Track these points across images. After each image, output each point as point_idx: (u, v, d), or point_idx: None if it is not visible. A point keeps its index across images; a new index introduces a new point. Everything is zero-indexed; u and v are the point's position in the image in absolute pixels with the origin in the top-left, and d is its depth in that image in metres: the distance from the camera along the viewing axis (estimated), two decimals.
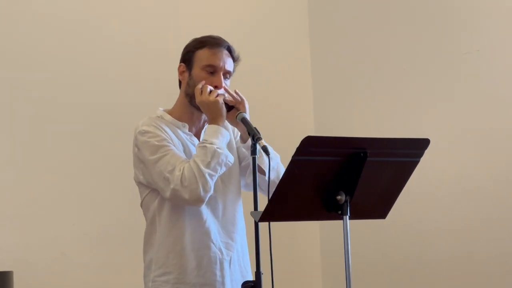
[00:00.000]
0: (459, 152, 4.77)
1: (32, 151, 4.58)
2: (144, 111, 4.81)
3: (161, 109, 3.19)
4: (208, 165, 2.93)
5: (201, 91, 3.05)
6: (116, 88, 4.85)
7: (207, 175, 2.92)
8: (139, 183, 3.12)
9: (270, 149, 3.05)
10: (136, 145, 3.08)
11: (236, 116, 3.05)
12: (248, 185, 3.12)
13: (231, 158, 3.01)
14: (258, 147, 2.88)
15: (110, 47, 4.87)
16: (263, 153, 2.87)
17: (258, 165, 3.00)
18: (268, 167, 2.89)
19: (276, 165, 3.11)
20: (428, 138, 2.78)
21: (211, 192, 2.97)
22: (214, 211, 3.08)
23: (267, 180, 2.91)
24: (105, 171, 4.76)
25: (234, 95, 3.10)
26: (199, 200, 2.94)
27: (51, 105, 4.66)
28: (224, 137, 3.01)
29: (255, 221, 2.83)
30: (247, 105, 3.11)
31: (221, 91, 3.07)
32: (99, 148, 4.75)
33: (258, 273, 2.80)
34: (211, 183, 2.94)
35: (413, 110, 5.00)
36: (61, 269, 4.57)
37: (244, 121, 3.01)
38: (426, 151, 2.79)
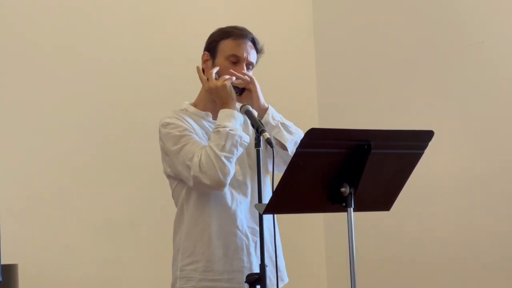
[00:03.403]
0: (463, 145, 4.76)
1: (36, 145, 4.59)
2: (148, 106, 4.86)
3: (186, 102, 3.21)
4: (223, 148, 2.95)
5: (208, 78, 3.09)
6: (120, 83, 4.86)
7: (223, 158, 2.94)
8: (168, 176, 3.15)
9: (291, 124, 3.13)
10: (160, 138, 3.12)
11: (240, 109, 3.06)
12: (278, 165, 3.07)
13: (246, 138, 3.03)
14: (262, 139, 2.88)
15: (114, 42, 4.88)
16: (268, 145, 2.89)
17: (278, 141, 3.06)
18: (272, 161, 2.91)
19: (299, 139, 3.11)
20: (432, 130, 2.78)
21: (231, 174, 2.98)
22: (243, 196, 3.10)
23: (272, 173, 2.92)
24: (109, 165, 4.77)
25: (242, 76, 3.12)
26: (220, 184, 2.97)
27: (55, 99, 4.67)
28: (236, 119, 3.04)
29: (259, 214, 2.83)
30: (257, 84, 3.14)
31: (227, 76, 3.09)
32: (103, 141, 4.76)
33: (262, 266, 2.81)
34: (229, 165, 2.96)
35: (417, 103, 5.00)
36: (65, 261, 4.59)
37: (248, 113, 3.02)
38: (430, 144, 2.79)
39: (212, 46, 3.17)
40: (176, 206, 3.17)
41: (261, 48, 3.21)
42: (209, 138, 3.08)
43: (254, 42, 3.18)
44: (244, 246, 3.08)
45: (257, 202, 3.07)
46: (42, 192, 4.57)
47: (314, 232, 5.44)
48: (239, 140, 2.99)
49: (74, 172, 4.67)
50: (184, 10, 5.13)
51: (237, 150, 2.99)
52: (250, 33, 3.19)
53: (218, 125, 3.01)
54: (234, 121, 3.02)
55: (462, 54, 4.78)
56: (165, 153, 3.10)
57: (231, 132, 2.98)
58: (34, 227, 4.52)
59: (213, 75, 3.09)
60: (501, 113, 4.60)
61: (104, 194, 4.73)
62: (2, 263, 3.39)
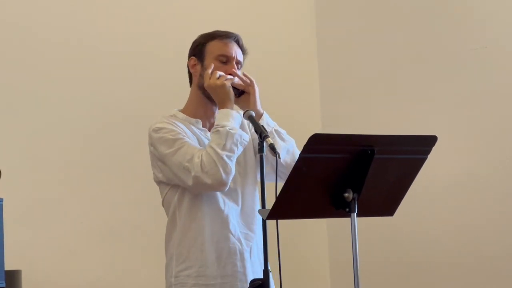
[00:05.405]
0: (466, 149, 4.76)
1: (39, 150, 4.59)
2: (150, 110, 4.84)
3: (175, 109, 3.21)
4: (224, 148, 2.96)
5: (210, 75, 3.09)
6: (122, 88, 4.86)
7: (225, 157, 2.95)
8: (159, 182, 3.14)
9: (284, 132, 3.13)
10: (151, 144, 3.11)
11: (244, 114, 3.06)
12: (268, 174, 3.05)
13: (246, 137, 3.03)
14: (265, 144, 2.88)
15: (114, 47, 4.87)
16: (271, 151, 2.88)
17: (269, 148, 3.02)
18: (276, 166, 2.91)
19: (292, 148, 3.15)
20: (435, 135, 2.78)
21: (233, 173, 2.99)
22: (234, 202, 3.10)
23: (275, 180, 2.92)
24: (113, 170, 4.77)
25: (243, 77, 3.14)
26: (222, 183, 2.97)
27: (58, 104, 4.67)
28: (235, 118, 3.04)
29: (263, 219, 2.83)
30: (256, 88, 3.15)
31: (229, 76, 3.10)
32: (106, 146, 4.76)
33: (266, 271, 2.81)
34: (231, 164, 2.97)
35: (420, 107, 5.00)
36: (69, 267, 4.58)
37: (251, 119, 3.02)
38: (434, 149, 2.79)
39: (198, 49, 3.17)
40: (167, 213, 3.15)
41: (246, 49, 3.21)
42: (200, 144, 3.08)
43: (238, 42, 3.19)
44: (238, 251, 3.07)
45: (247, 208, 3.11)
46: (45, 198, 4.57)
47: (317, 237, 5.43)
48: (239, 138, 3.00)
49: (78, 177, 4.67)
50: (185, 11, 5.12)
51: (237, 149, 3.00)
52: (234, 33, 3.20)
53: (217, 124, 3.02)
54: (233, 121, 3.03)
55: (465, 59, 4.78)
56: (157, 158, 3.09)
57: (231, 131, 2.98)
58: (38, 233, 4.52)
59: (217, 74, 3.08)
60: (503, 117, 4.60)
61: (108, 200, 4.73)
62: (6, 269, 3.40)
